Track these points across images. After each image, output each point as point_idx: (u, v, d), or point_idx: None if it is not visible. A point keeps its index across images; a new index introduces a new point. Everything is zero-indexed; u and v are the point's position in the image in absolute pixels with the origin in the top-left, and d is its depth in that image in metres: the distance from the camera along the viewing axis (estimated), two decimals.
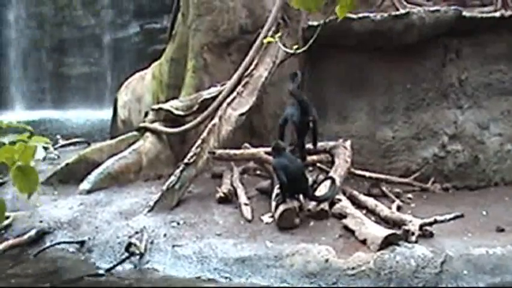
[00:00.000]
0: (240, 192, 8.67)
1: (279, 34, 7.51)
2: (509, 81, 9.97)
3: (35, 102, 24.91)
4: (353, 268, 6.72)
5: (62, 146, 13.12)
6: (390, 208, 8.15)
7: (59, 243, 7.94)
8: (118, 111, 12.66)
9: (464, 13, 9.63)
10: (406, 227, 7.17)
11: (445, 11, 9.57)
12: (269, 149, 8.72)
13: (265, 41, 8.69)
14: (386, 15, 9.59)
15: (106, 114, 14.80)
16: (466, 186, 9.76)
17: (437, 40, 9.77)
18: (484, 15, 10.05)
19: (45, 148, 10.38)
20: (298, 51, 4.67)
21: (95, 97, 24.45)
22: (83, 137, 14.33)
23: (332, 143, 9.18)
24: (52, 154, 11.74)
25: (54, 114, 23.15)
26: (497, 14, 9.84)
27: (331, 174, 8.48)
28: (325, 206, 7.84)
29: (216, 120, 9.23)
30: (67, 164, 10.05)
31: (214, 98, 10.01)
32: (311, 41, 3.84)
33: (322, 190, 8.08)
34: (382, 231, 7.05)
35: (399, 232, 7.10)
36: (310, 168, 9.01)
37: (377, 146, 9.91)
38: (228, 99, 9.56)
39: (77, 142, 13.58)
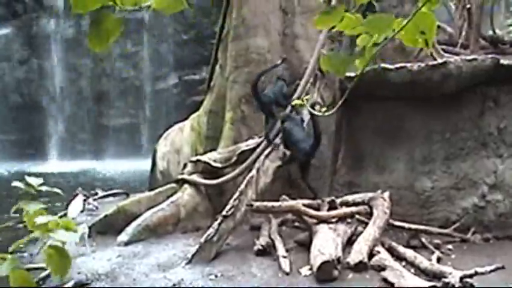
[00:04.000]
0: (278, 244, 8.62)
1: (308, 97, 7.51)
2: None
3: (75, 153, 25.29)
4: None
5: (101, 197, 13.27)
6: (429, 260, 8.03)
7: None
8: (157, 163, 12.78)
9: (502, 61, 9.57)
10: (446, 280, 7.06)
11: (482, 59, 9.51)
12: (308, 201, 8.75)
13: (295, 102, 8.75)
14: (423, 65, 9.56)
15: (145, 165, 14.94)
16: (507, 236, 9.54)
17: (475, 89, 9.68)
18: None
19: (84, 199, 10.44)
20: (327, 113, 4.47)
21: (134, 148, 24.78)
22: (122, 188, 14.49)
23: (370, 194, 9.11)
24: (91, 205, 11.86)
25: (93, 164, 23.48)
26: None
27: (370, 226, 8.44)
28: (364, 258, 7.77)
29: (253, 172, 9.25)
30: (106, 216, 10.18)
31: (252, 150, 10.07)
32: (345, 96, 3.81)
33: None
34: (422, 284, 6.97)
35: (439, 284, 7.01)
36: (349, 220, 8.93)
37: (416, 197, 9.80)
38: (266, 151, 9.60)
39: (116, 193, 13.73)
